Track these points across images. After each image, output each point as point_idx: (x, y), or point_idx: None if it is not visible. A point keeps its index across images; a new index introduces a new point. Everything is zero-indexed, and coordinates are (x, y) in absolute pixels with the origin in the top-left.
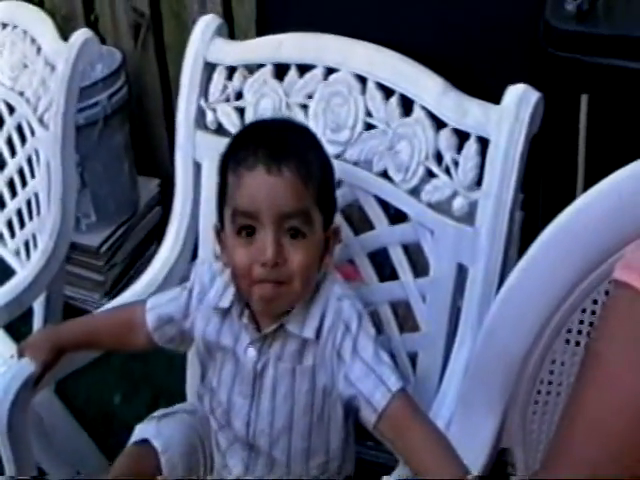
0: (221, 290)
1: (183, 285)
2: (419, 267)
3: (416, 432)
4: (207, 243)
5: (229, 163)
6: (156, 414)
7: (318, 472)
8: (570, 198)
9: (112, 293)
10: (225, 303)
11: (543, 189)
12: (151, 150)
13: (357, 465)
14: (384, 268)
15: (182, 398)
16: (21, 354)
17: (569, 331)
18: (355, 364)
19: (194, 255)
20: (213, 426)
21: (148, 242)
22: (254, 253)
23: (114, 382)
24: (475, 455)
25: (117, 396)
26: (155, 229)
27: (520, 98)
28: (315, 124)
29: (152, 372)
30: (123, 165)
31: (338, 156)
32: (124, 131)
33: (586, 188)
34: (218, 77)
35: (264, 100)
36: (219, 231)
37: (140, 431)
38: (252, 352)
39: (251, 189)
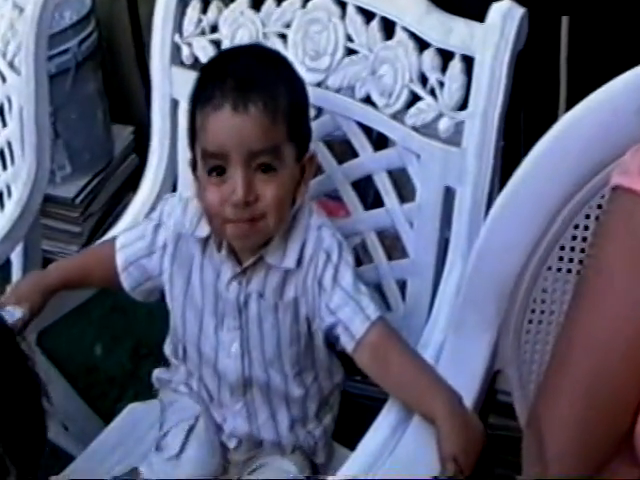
0: (195, 219)
1: (149, 218)
2: (404, 194)
3: (397, 361)
4: (186, 184)
5: (197, 100)
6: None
7: (314, 388)
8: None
9: (89, 244)
10: (202, 232)
11: (524, 117)
12: (124, 97)
13: (345, 399)
14: (366, 198)
15: (162, 348)
16: (3, 305)
17: (562, 248)
18: (335, 293)
19: None
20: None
21: (124, 191)
22: (225, 193)
23: (94, 334)
24: (469, 379)
25: (98, 348)
26: (131, 177)
27: (505, 14)
28: (294, 53)
29: (132, 323)
30: (97, 113)
31: (319, 84)
32: (97, 78)
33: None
34: (192, 11)
35: (240, 31)
36: (194, 167)
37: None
38: (234, 286)
39: (218, 130)
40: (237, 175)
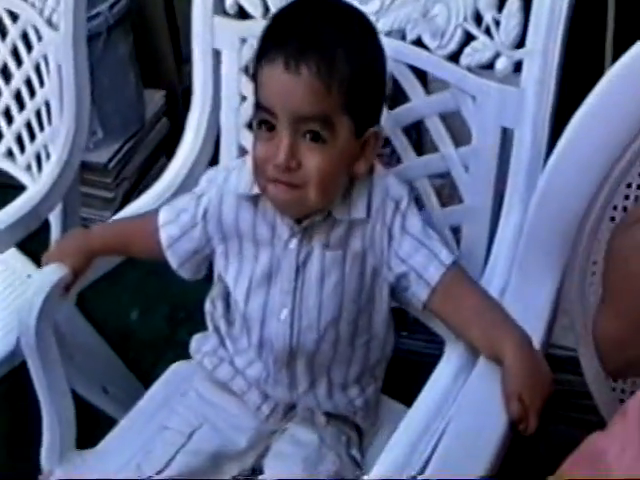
0: (250, 178)
1: (191, 193)
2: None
3: (469, 299)
4: (230, 141)
5: (259, 48)
6: None
7: (362, 352)
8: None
9: (122, 210)
10: (257, 189)
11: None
12: (154, 61)
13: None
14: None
15: (200, 312)
16: (47, 262)
17: (629, 185)
18: (404, 240)
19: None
20: (239, 366)
21: (156, 155)
22: (270, 151)
23: (129, 298)
24: (535, 320)
25: (134, 312)
26: (163, 142)
27: None
28: None
29: (168, 287)
30: (128, 78)
31: None
32: (127, 42)
33: (615, 57)
34: None
35: None
36: None
37: None
38: (293, 244)
39: (269, 84)
40: (283, 136)
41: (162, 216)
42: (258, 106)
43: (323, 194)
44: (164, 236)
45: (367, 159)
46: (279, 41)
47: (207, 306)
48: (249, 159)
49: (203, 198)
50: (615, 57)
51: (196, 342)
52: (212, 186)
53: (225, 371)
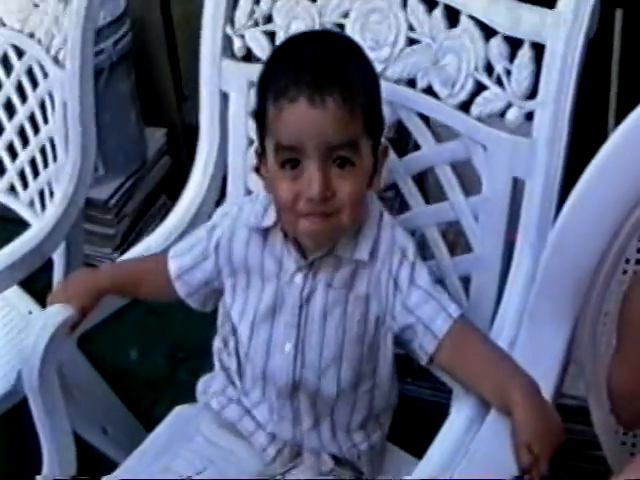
0: (261, 211)
1: (204, 225)
2: (466, 187)
3: (477, 352)
4: (237, 184)
5: (268, 90)
6: None
7: (366, 399)
8: (602, 120)
9: (122, 247)
10: (268, 222)
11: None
12: (156, 99)
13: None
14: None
15: (200, 351)
16: (52, 303)
17: None
18: (412, 292)
19: (221, 197)
20: (247, 405)
21: (157, 193)
22: (300, 187)
23: (129, 337)
24: (546, 369)
25: (133, 351)
26: (164, 180)
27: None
28: None
29: (168, 326)
30: (130, 115)
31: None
32: (130, 79)
33: (619, 109)
34: (245, 1)
35: (296, 22)
36: (260, 155)
37: None
38: (299, 278)
39: (294, 123)
40: (313, 169)
41: (173, 250)
42: (280, 147)
43: (355, 215)
44: (173, 267)
45: (379, 175)
46: (295, 79)
47: (216, 344)
48: (261, 193)
49: (216, 230)
50: (619, 112)
51: (203, 384)
52: (225, 219)
53: (234, 412)
